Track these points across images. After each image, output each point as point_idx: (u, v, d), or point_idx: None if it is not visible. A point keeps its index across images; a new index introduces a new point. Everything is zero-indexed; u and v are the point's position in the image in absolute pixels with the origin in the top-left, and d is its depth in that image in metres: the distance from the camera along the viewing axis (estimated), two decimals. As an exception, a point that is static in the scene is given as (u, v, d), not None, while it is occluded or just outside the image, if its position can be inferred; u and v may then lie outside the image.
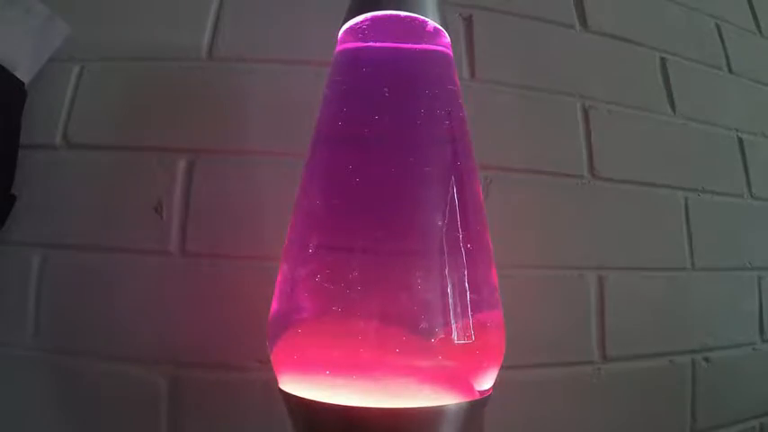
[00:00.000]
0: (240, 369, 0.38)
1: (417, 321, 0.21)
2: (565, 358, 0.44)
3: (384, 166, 0.24)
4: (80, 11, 0.43)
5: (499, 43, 0.49)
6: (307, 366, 0.23)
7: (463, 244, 0.24)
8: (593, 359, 0.45)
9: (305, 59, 0.43)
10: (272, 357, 0.25)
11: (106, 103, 0.42)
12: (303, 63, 0.43)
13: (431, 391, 0.22)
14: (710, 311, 0.51)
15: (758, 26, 0.64)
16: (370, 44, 0.27)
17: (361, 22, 0.27)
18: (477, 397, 0.23)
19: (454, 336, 0.22)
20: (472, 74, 0.47)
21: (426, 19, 0.27)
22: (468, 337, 0.22)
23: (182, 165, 0.41)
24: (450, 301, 0.22)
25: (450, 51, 0.29)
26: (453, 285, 0.23)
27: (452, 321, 0.22)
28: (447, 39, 0.28)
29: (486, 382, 0.24)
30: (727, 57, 0.60)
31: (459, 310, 0.22)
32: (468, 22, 0.49)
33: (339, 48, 0.29)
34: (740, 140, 0.58)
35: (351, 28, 0.28)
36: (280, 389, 0.24)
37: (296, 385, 0.23)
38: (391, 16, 0.27)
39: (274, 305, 0.26)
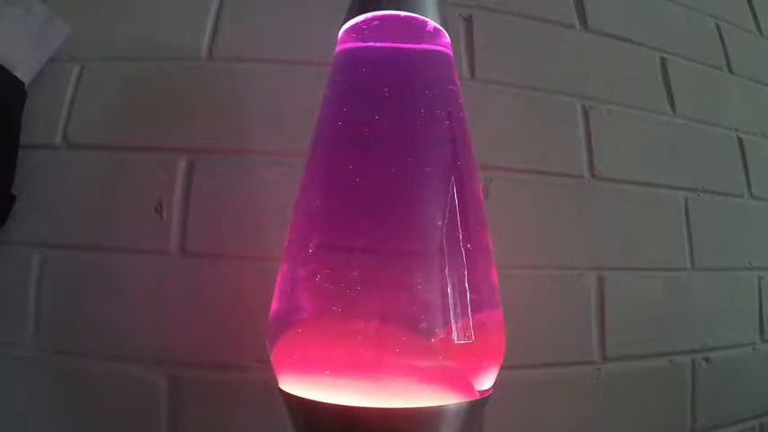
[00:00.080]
0: (240, 369, 0.38)
1: (417, 321, 0.21)
2: (565, 358, 0.44)
3: (384, 166, 0.24)
4: (80, 11, 0.43)
5: (499, 43, 0.49)
6: (307, 366, 0.23)
7: (463, 244, 0.24)
8: (593, 359, 0.45)
9: (305, 59, 0.43)
10: (271, 357, 0.25)
11: (106, 103, 0.42)
12: (303, 63, 0.43)
13: (431, 391, 0.22)
14: (710, 311, 0.51)
15: (758, 26, 0.64)
16: (370, 44, 0.27)
17: (362, 22, 0.27)
18: (477, 397, 0.23)
19: (454, 336, 0.22)
20: (472, 74, 0.47)
21: (426, 19, 0.27)
22: (468, 337, 0.22)
23: (182, 165, 0.41)
24: (450, 301, 0.22)
25: (450, 51, 0.29)
26: (453, 285, 0.23)
27: (452, 321, 0.22)
28: (447, 39, 0.28)
29: (486, 382, 0.24)
30: (727, 57, 0.60)
31: (459, 310, 0.22)
32: (468, 22, 0.49)
33: (339, 48, 0.29)
34: (740, 140, 0.58)
35: (351, 28, 0.28)
36: (280, 389, 0.24)
37: (296, 385, 0.23)
38: (391, 16, 0.27)
39: (274, 305, 0.26)
